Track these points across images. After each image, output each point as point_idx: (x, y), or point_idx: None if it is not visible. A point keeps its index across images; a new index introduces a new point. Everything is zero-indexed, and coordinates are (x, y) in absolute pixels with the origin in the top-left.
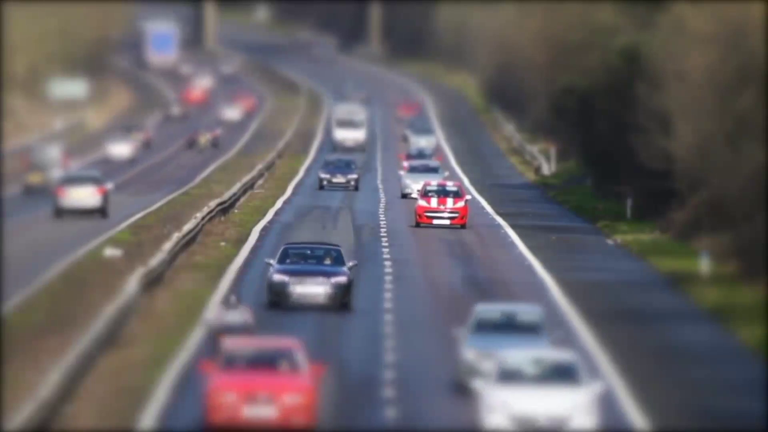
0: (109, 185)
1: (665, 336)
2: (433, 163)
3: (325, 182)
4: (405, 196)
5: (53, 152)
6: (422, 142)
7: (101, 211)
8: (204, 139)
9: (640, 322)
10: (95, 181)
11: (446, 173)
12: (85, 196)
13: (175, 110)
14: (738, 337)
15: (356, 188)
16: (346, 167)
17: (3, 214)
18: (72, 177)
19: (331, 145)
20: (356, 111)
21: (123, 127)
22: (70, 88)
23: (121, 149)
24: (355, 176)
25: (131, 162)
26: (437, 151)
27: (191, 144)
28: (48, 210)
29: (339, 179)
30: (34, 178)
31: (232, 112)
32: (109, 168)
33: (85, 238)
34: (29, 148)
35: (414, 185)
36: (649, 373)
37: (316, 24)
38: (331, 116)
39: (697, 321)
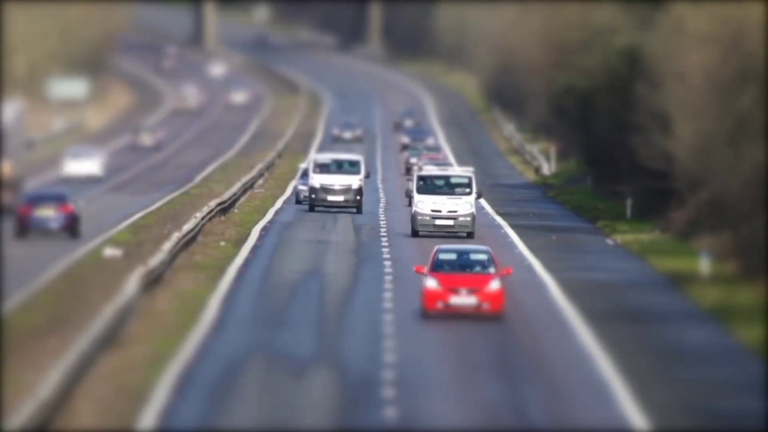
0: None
1: (665, 336)
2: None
3: None
4: None
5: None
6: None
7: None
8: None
9: (640, 322)
10: (247, 88)
11: None
12: (241, 97)
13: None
14: (738, 337)
15: None
16: None
17: (2, 214)
18: (235, 89)
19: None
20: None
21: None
22: (70, 88)
23: (216, 70)
24: None
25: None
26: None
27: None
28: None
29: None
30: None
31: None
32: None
33: (85, 238)
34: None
35: None
36: (649, 373)
37: (315, 24)
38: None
39: (697, 321)
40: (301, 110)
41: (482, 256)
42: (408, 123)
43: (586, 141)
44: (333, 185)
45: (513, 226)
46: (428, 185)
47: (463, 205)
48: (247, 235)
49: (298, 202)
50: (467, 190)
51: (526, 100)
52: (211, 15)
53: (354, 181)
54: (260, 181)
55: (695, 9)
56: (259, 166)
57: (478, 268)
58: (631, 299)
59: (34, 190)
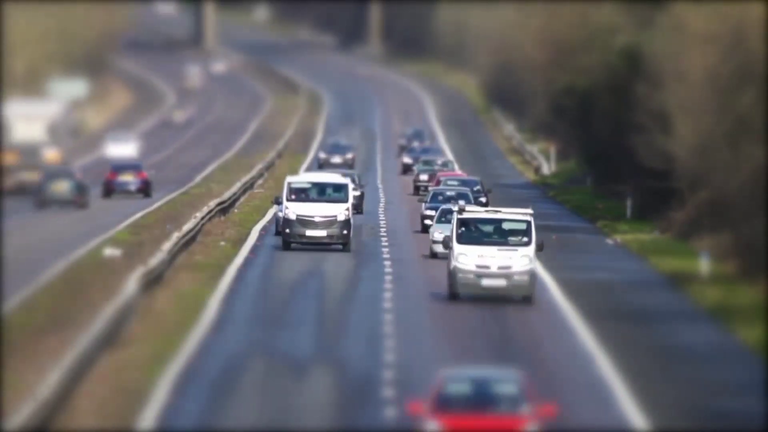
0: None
1: (665, 336)
2: None
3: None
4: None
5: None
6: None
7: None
8: None
9: (640, 322)
10: (225, 59)
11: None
12: (221, 67)
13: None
14: (738, 337)
15: None
16: None
17: (3, 214)
18: (214, 59)
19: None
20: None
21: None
22: (70, 88)
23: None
24: None
25: None
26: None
27: None
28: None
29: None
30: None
31: None
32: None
33: (85, 238)
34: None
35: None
36: (649, 373)
37: (315, 24)
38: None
39: (697, 321)
40: (300, 110)
41: (509, 388)
42: (416, 145)
43: (586, 141)
44: (312, 217)
45: None
46: (472, 232)
47: (519, 260)
48: (247, 235)
49: (279, 232)
50: (525, 239)
51: (526, 100)
52: (211, 15)
53: (339, 210)
54: (260, 181)
55: (695, 9)
56: (259, 166)
57: (503, 407)
58: (631, 299)
59: (118, 161)
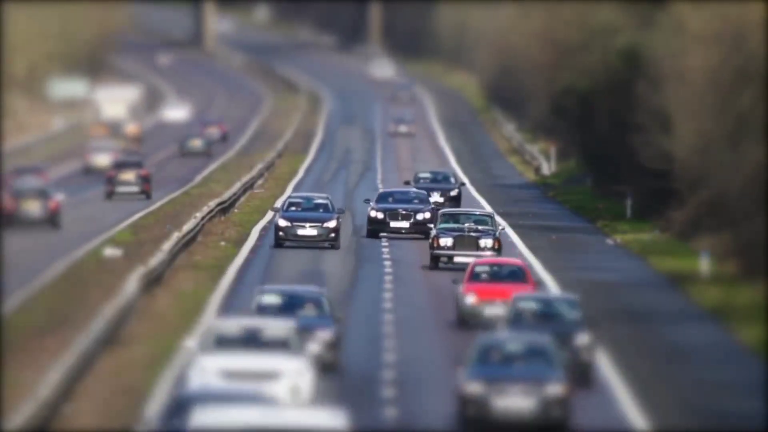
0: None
1: (665, 336)
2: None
3: None
4: None
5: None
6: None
7: None
8: None
9: (640, 322)
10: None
11: None
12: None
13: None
14: (738, 337)
15: None
16: None
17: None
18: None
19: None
20: None
21: None
22: (70, 87)
23: None
24: None
25: None
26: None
27: None
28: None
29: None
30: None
31: None
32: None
33: (85, 238)
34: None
35: None
36: (649, 373)
37: (316, 24)
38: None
39: (697, 321)
40: (300, 110)
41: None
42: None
43: (586, 141)
44: None
45: (513, 226)
46: None
47: None
48: (247, 235)
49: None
50: None
51: (526, 100)
52: (211, 15)
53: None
54: (260, 181)
55: (695, 9)
56: (259, 166)
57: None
58: (631, 299)
59: (205, 119)
